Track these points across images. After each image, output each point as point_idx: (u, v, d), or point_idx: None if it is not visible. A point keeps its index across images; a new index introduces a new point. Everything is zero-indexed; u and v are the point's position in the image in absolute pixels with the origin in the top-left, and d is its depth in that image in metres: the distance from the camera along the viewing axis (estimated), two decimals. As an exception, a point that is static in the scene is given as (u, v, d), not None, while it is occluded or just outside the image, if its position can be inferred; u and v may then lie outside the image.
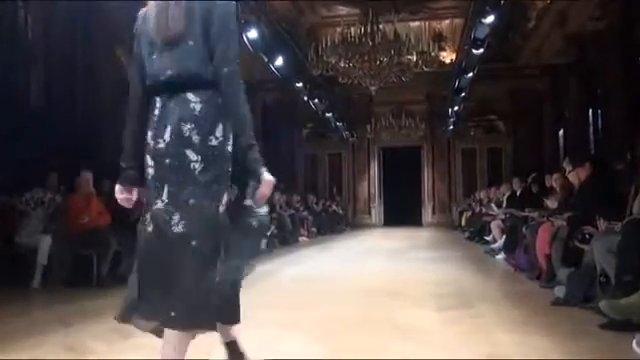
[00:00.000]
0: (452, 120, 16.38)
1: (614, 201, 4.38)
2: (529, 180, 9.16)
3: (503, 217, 9.12)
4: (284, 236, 11.50)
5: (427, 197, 18.37)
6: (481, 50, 10.32)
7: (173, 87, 1.82)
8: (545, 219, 5.79)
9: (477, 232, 11.35)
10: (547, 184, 7.51)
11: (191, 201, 1.74)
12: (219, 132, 1.80)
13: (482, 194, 13.66)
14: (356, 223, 17.95)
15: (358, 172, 18.52)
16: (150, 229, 1.77)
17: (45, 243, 5.31)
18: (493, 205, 10.70)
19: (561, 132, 14.78)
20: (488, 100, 17.12)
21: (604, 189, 4.74)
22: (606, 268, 3.78)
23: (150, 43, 1.90)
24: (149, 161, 1.86)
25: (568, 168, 5.62)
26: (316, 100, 14.33)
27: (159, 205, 1.79)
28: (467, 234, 12.48)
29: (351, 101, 17.20)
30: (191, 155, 1.76)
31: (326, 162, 18.73)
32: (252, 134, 1.81)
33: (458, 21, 15.82)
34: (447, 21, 16.81)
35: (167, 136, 1.80)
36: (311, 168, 18.80)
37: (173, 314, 1.64)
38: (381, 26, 11.68)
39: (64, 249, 5.37)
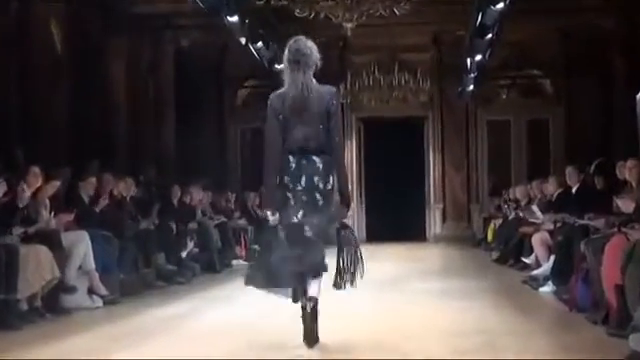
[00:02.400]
0: (473, 77, 16.46)
1: None
2: (591, 170, 9.31)
3: (551, 227, 9.27)
4: (209, 258, 11.63)
5: (434, 196, 18.56)
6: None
7: (305, 151, 4.97)
8: (616, 230, 6.00)
9: (511, 250, 11.53)
10: (619, 176, 7.67)
11: (314, 220, 4.95)
12: (331, 181, 5.01)
13: (519, 191, 13.85)
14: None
15: None
16: (285, 235, 4.96)
17: None
18: (535, 208, 10.83)
19: (639, 95, 15.09)
20: (528, 45, 17.40)
21: None
22: None
23: (291, 123, 5.02)
24: (289, 195, 4.99)
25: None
26: (259, 44, 14.21)
27: (295, 220, 4.96)
28: (496, 253, 12.67)
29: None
30: (317, 195, 4.95)
31: None
32: (347, 176, 5.22)
33: None
34: None
35: (303, 182, 4.96)
36: (251, 150, 18.85)
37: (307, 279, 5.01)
38: None
39: None
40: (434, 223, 18.56)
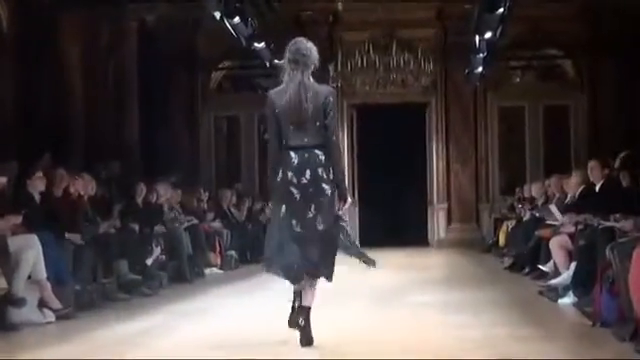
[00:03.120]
0: (482, 57, 16.41)
1: None
2: (617, 164, 9.32)
3: (572, 230, 9.34)
4: (179, 266, 11.71)
5: (437, 195, 18.72)
6: None
7: (307, 148, 5.92)
8: (645, 233, 6.08)
9: (526, 257, 11.64)
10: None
11: (327, 212, 5.93)
12: (332, 173, 5.96)
13: (535, 189, 13.99)
14: None
15: None
16: (298, 229, 5.87)
17: None
18: (554, 208, 10.90)
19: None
20: (546, 21, 17.46)
21: None
22: None
23: (289, 120, 5.91)
24: (293, 190, 5.87)
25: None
26: (236, 20, 14.12)
27: (309, 216, 5.89)
28: (508, 260, 12.80)
29: (300, 22, 17.44)
30: (324, 185, 5.91)
31: (254, 130, 18.95)
32: (344, 172, 6.46)
33: None
34: None
35: (308, 175, 5.88)
36: (227, 141, 19.11)
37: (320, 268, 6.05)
38: None
39: None
40: (437, 225, 18.62)
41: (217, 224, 14.18)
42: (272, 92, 6.14)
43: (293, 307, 6.10)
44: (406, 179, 18.53)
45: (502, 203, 17.41)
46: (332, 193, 6.01)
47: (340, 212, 6.11)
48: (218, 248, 13.56)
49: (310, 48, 6.11)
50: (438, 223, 18.61)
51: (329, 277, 6.02)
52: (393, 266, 12.95)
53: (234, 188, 16.74)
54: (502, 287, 10.22)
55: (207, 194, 14.85)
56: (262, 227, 16.15)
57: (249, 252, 14.84)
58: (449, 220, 18.58)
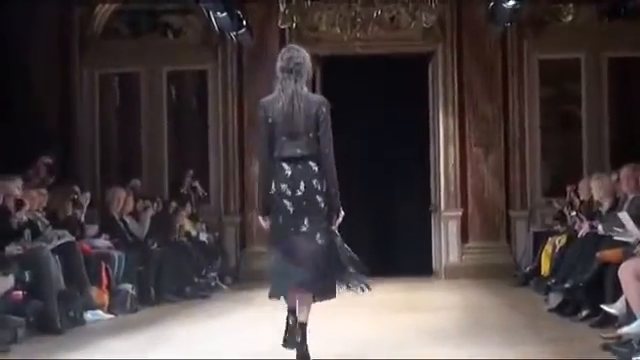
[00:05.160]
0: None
1: None
2: None
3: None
4: (44, 308, 11.63)
5: (447, 196, 19.06)
6: None
7: (300, 159, 8.46)
8: None
9: (583, 292, 11.71)
10: None
11: (323, 225, 8.47)
12: (325, 184, 8.53)
13: (596, 187, 13.92)
14: (253, 270, 18.46)
15: (253, 125, 18.55)
16: (292, 243, 8.36)
17: None
18: (625, 217, 11.07)
19: None
20: None
21: None
22: None
23: (281, 131, 8.44)
24: (287, 202, 8.38)
25: None
26: None
27: (303, 229, 8.38)
28: (556, 297, 12.92)
29: None
30: (319, 198, 8.47)
31: (162, 96, 19.75)
32: (337, 185, 8.81)
33: None
34: None
35: (302, 187, 8.38)
36: (119, 112, 19.83)
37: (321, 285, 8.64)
38: None
39: None
40: (447, 244, 18.89)
41: (104, 242, 14.31)
42: (264, 101, 8.42)
43: (287, 326, 8.34)
44: (398, 173, 18.74)
45: (546, 210, 17.85)
46: (326, 205, 8.29)
47: (334, 227, 8.38)
48: (105, 280, 13.58)
49: (304, 56, 8.39)
50: (447, 240, 18.82)
51: (329, 294, 8.28)
52: (376, 308, 13.04)
53: (130, 186, 16.93)
54: (546, 339, 10.29)
55: (88, 195, 14.74)
56: (181, 247, 16.09)
57: (153, 287, 15.01)
58: (464, 236, 18.85)
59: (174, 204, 17.51)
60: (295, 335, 8.14)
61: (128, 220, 15.59)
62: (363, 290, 8.45)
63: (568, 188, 16.30)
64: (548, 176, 18.66)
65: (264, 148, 8.32)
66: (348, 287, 8.58)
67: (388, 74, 18.14)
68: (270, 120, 8.21)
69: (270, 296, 8.47)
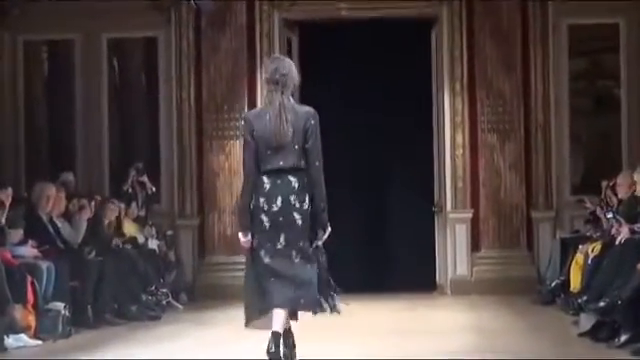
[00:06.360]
0: None
1: None
2: None
3: None
4: None
5: (453, 194, 19.91)
6: None
7: (279, 171, 10.50)
8: None
9: (622, 312, 11.99)
10: None
11: (300, 243, 10.49)
12: (308, 200, 10.58)
13: (639, 180, 14.47)
14: (213, 284, 19.54)
15: (213, 105, 19.83)
16: (267, 260, 10.40)
17: None
18: None
19: None
20: None
21: None
22: None
23: (266, 144, 10.43)
24: (263, 218, 10.42)
25: None
26: None
27: (279, 247, 10.38)
28: (588, 319, 13.04)
29: None
30: (295, 215, 10.47)
31: (102, 68, 20.81)
32: (325, 199, 10.78)
33: None
34: None
35: (279, 202, 10.43)
36: (48, 88, 20.95)
37: (302, 301, 10.51)
38: None
39: None
40: (453, 253, 19.54)
41: (30, 250, 14.64)
42: (250, 114, 10.45)
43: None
44: (393, 165, 18.74)
45: (576, 211, 18.12)
46: (304, 223, 9.85)
47: (319, 243, 9.95)
48: (32, 297, 13.87)
49: (289, 66, 9.84)
50: (455, 248, 19.50)
51: (312, 308, 9.93)
52: (370, 330, 13.90)
53: (62, 181, 17.58)
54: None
55: (9, 191, 14.95)
56: (125, 257, 16.40)
57: (91, 306, 15.40)
58: (475, 243, 19.45)
59: (116, 203, 17.79)
60: (269, 344, 9.47)
61: (59, 223, 15.72)
62: (331, 312, 10.02)
63: (604, 184, 16.61)
64: (579, 169, 18.98)
65: (250, 162, 9.87)
66: (321, 308, 10.13)
67: (380, 44, 18.46)
68: (256, 133, 9.77)
69: (247, 324, 9.84)
